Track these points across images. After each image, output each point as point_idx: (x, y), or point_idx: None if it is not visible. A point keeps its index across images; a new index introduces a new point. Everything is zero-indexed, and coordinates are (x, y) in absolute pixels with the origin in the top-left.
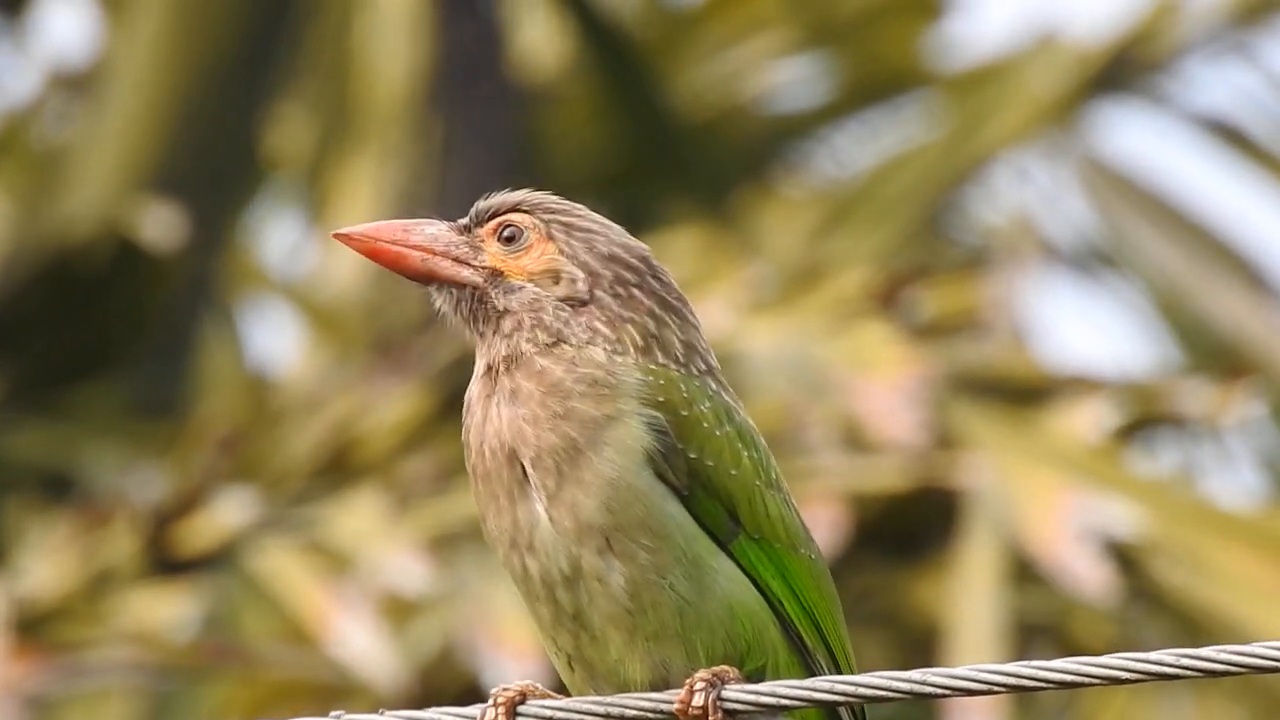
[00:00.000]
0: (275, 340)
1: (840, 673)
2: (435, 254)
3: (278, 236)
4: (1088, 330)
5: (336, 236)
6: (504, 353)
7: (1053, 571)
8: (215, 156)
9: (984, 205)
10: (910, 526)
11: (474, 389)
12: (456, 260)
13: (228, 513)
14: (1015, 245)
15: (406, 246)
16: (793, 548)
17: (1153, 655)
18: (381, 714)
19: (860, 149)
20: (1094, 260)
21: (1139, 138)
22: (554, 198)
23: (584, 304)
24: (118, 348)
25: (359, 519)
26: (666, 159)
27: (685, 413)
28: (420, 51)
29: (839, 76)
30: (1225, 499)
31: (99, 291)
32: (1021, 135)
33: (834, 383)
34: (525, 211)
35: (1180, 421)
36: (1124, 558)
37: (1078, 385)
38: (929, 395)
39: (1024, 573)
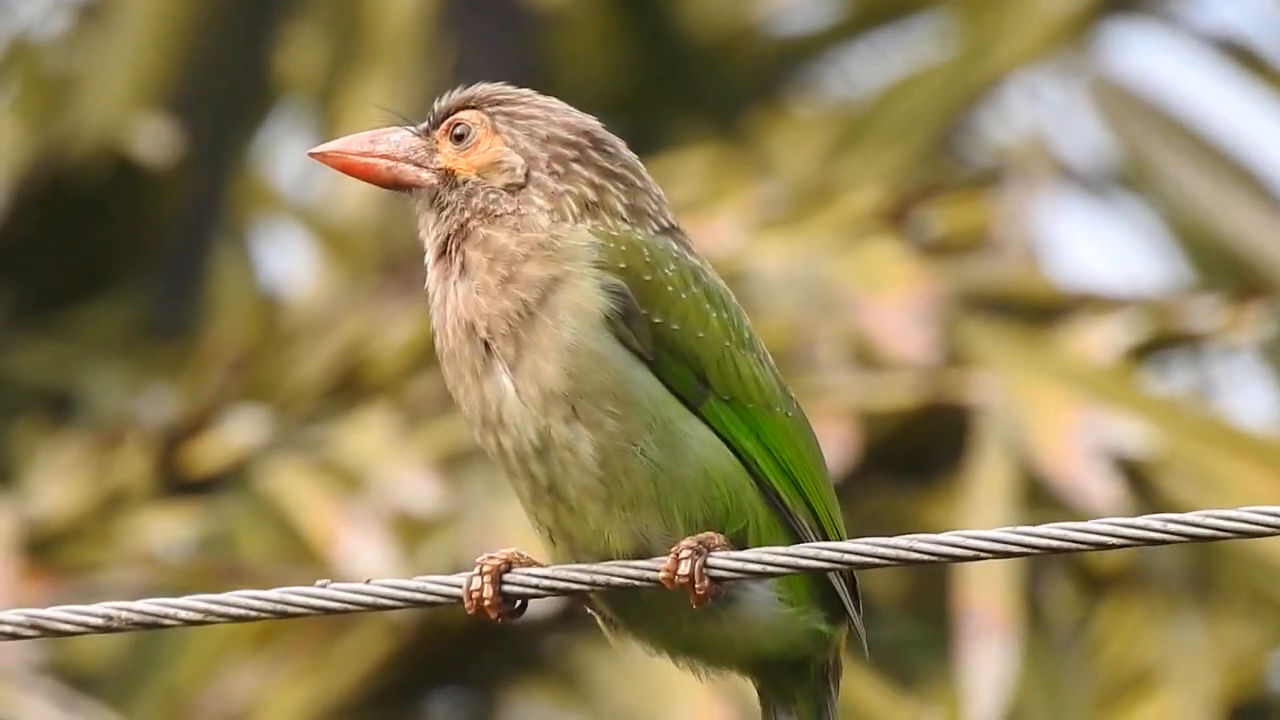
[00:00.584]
0: (286, 262)
1: (825, 534)
2: (397, 160)
3: (289, 158)
4: (1101, 250)
5: (311, 155)
6: (451, 230)
7: (1063, 490)
8: (225, 78)
9: (996, 125)
10: (920, 446)
11: (430, 273)
12: (416, 164)
13: (238, 433)
14: (1027, 165)
15: (373, 157)
16: (767, 407)
17: (1139, 520)
18: (368, 582)
19: (871, 70)
20: (1107, 180)
21: (1151, 58)
22: (505, 88)
23: (521, 187)
24: (122, 267)
25: (368, 439)
26: (677, 81)
27: (648, 277)
28: None
29: None
30: (1237, 417)
31: (102, 210)
32: (1034, 55)
33: (843, 301)
34: (473, 107)
35: (1194, 341)
36: (1135, 476)
37: (1090, 304)
38: (939, 313)
39: (1035, 492)
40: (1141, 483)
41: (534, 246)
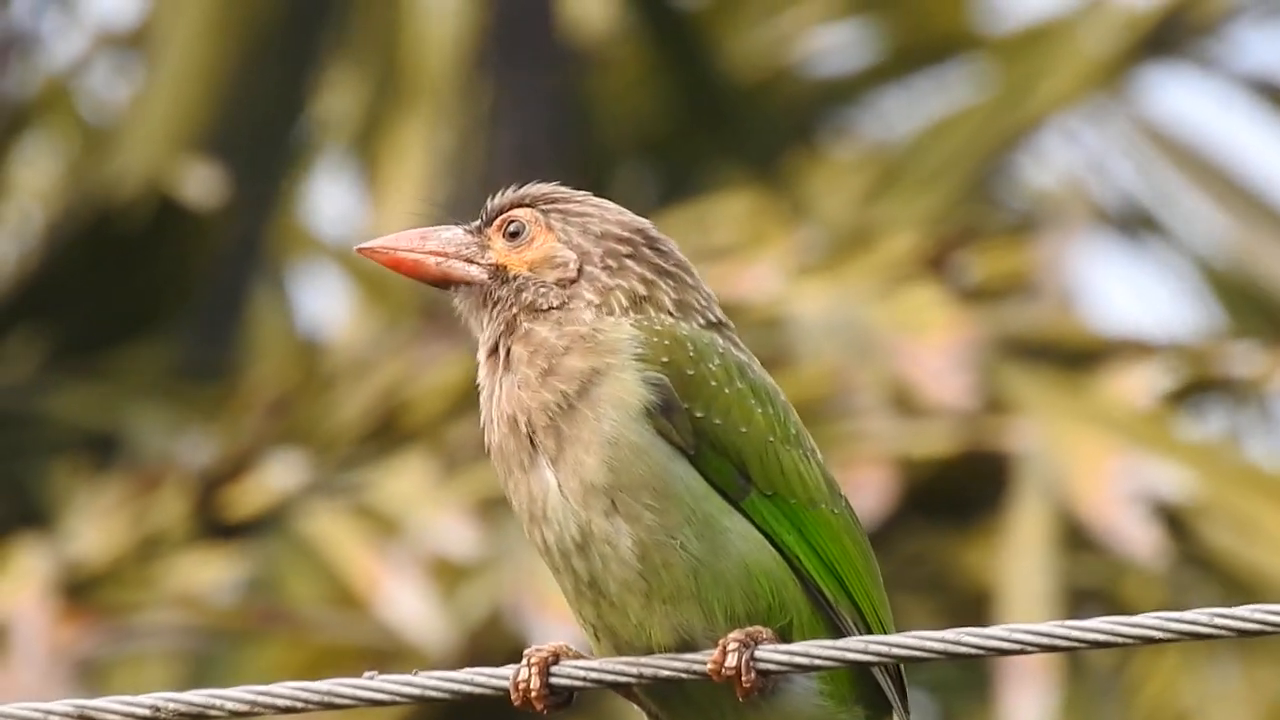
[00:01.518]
0: (325, 304)
1: (870, 630)
2: (448, 256)
3: (328, 200)
4: (1136, 295)
5: (361, 252)
6: (500, 329)
7: (1102, 535)
8: (265, 119)
9: (1033, 169)
10: (959, 491)
11: (481, 370)
12: (466, 260)
13: (276, 476)
14: (1064, 209)
15: (422, 253)
16: (811, 503)
17: (1188, 615)
18: (415, 674)
19: (909, 113)
20: (1143, 224)
21: (1188, 101)
22: (558, 188)
23: (573, 281)
24: (164, 310)
25: (407, 483)
26: (715, 123)
27: (691, 371)
28: (470, 14)
29: (887, 40)
30: (1274, 463)
31: (143, 252)
32: (1070, 99)
33: (882, 346)
34: (528, 205)
35: (1229, 386)
36: (1173, 521)
37: (1127, 349)
38: (978, 359)
39: (1074, 537)
40: (1179, 528)
41: (575, 339)
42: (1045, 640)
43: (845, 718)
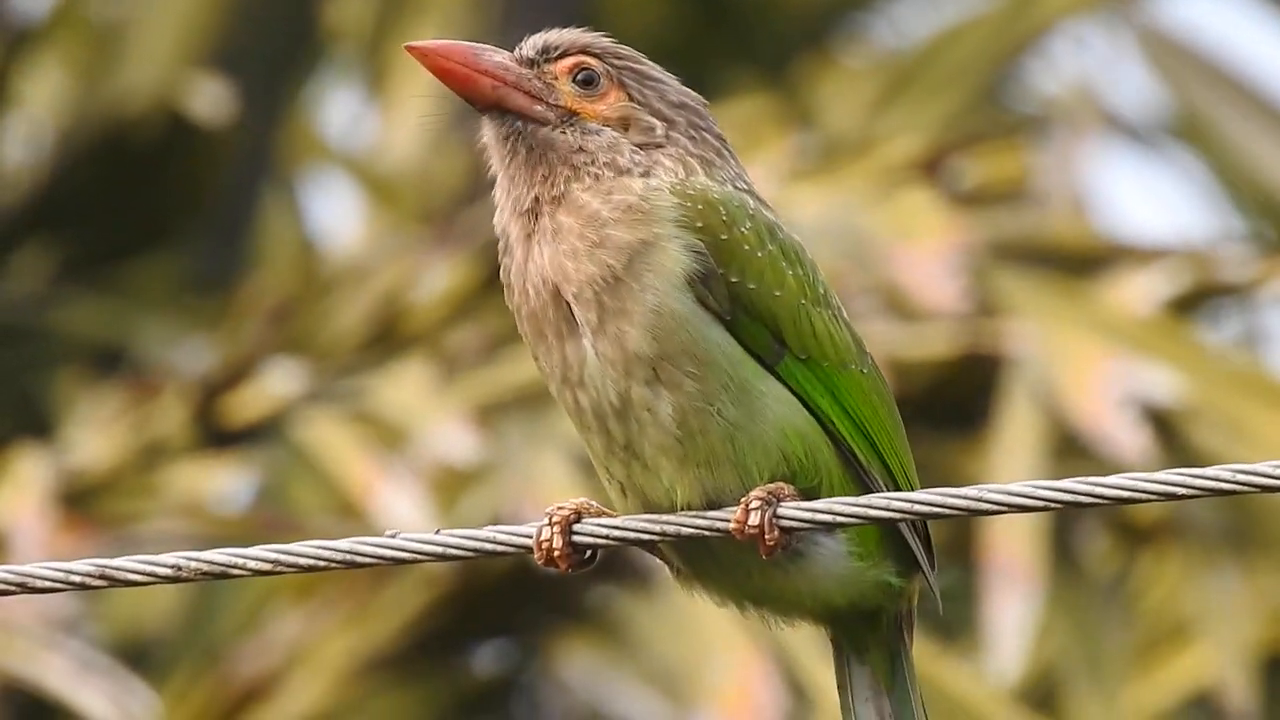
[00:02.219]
0: (335, 213)
1: (899, 489)
2: (506, 83)
3: (337, 108)
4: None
5: (409, 49)
6: (551, 193)
7: (1092, 439)
8: (273, 29)
9: (1043, 76)
10: (953, 396)
11: (511, 227)
12: (529, 94)
13: (276, 383)
14: (1074, 114)
15: (476, 70)
16: (842, 364)
17: (1209, 471)
18: (437, 532)
19: (920, 20)
20: (1154, 130)
21: (1198, 9)
22: (618, 44)
23: (659, 147)
24: (174, 222)
25: (407, 390)
26: (726, 29)
27: (725, 236)
28: None
29: None
30: (1272, 367)
31: (153, 166)
32: (1081, 5)
33: (876, 251)
34: (595, 55)
35: (1235, 292)
36: (1163, 425)
37: (1128, 255)
38: (971, 263)
39: (1065, 442)
40: (1171, 432)
41: (624, 209)
42: (1066, 497)
43: (874, 575)
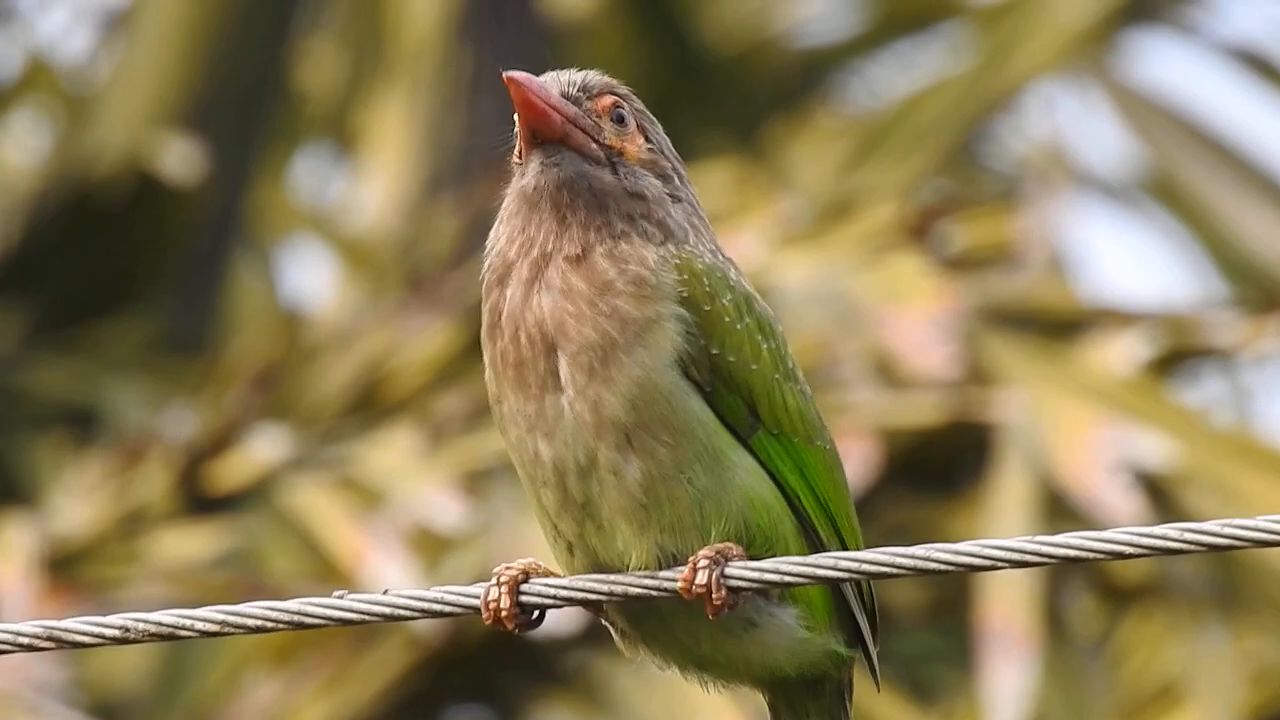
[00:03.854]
0: (307, 276)
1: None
2: (568, 118)
3: (309, 172)
4: (1124, 257)
5: (508, 76)
6: (571, 249)
7: (1084, 504)
8: (245, 91)
9: (1015, 135)
10: (943, 461)
11: (520, 267)
12: (585, 131)
13: (260, 450)
14: (1047, 174)
15: (549, 105)
16: (809, 440)
17: (1157, 530)
18: (385, 593)
19: (891, 80)
20: (1128, 187)
21: (1168, 68)
22: (635, 97)
23: (676, 201)
24: (144, 283)
25: (391, 455)
26: (697, 92)
27: (708, 308)
28: None
29: (870, 8)
30: (1261, 431)
31: (123, 226)
32: (1052, 65)
33: (866, 316)
34: (621, 96)
35: (1216, 354)
36: (1155, 489)
37: (1112, 317)
38: (961, 328)
39: (1056, 506)
40: (1162, 496)
41: (637, 283)
42: (1015, 555)
43: (822, 644)
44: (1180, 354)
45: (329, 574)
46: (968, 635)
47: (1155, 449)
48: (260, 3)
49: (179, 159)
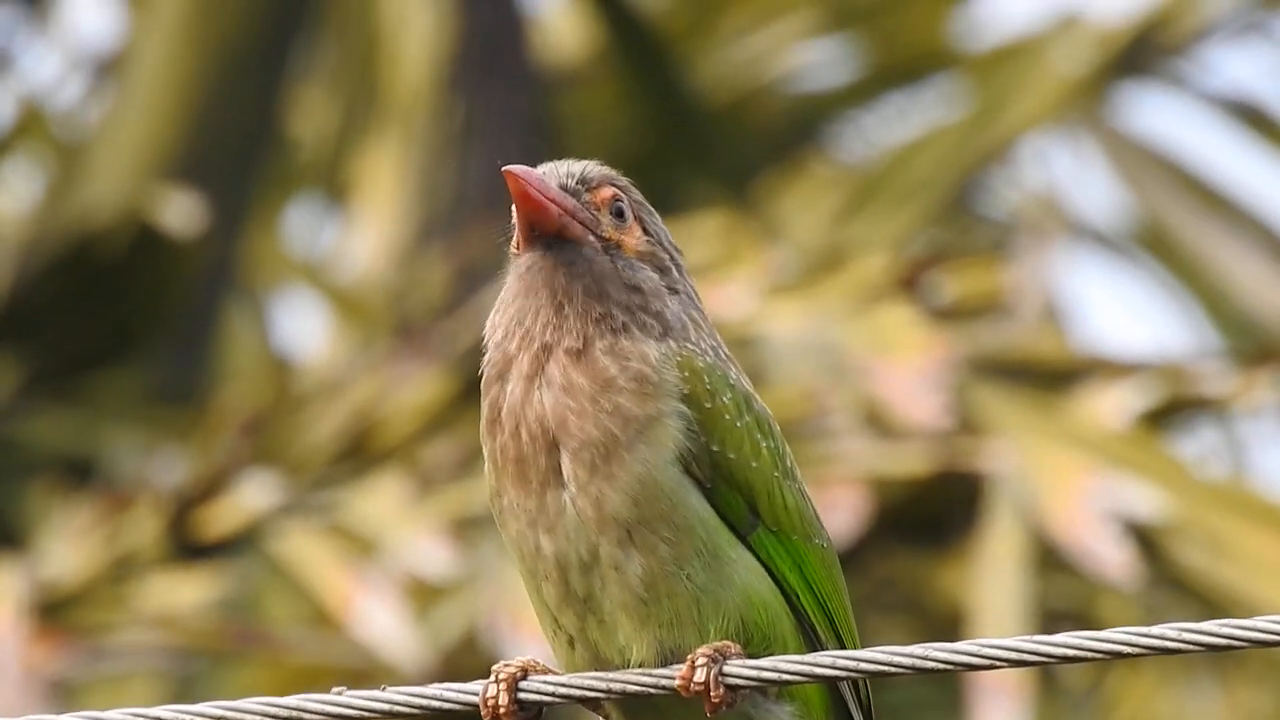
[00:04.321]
0: (299, 325)
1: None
2: (566, 210)
3: (300, 221)
4: (1118, 310)
5: (506, 170)
6: (571, 343)
7: (1075, 555)
8: (237, 141)
9: (1009, 186)
10: (933, 512)
11: (521, 361)
12: (583, 224)
13: (250, 497)
14: (1040, 224)
15: (548, 199)
16: (807, 538)
17: (1155, 629)
18: (383, 689)
19: (884, 131)
20: (1121, 238)
21: (1161, 119)
22: (632, 187)
23: (675, 294)
24: (138, 334)
25: (381, 503)
26: (689, 143)
27: (709, 405)
28: (442, 34)
29: (863, 59)
30: (1253, 483)
31: (119, 278)
32: (1044, 117)
33: (856, 366)
34: (620, 188)
35: (1209, 406)
36: (1146, 541)
37: (1104, 368)
38: (951, 379)
39: (1047, 558)
40: (1153, 548)
41: (638, 381)
42: (1014, 655)
43: None
44: (1173, 405)
45: (320, 621)
46: (959, 685)
47: (1146, 500)
48: (252, 52)
49: (178, 211)
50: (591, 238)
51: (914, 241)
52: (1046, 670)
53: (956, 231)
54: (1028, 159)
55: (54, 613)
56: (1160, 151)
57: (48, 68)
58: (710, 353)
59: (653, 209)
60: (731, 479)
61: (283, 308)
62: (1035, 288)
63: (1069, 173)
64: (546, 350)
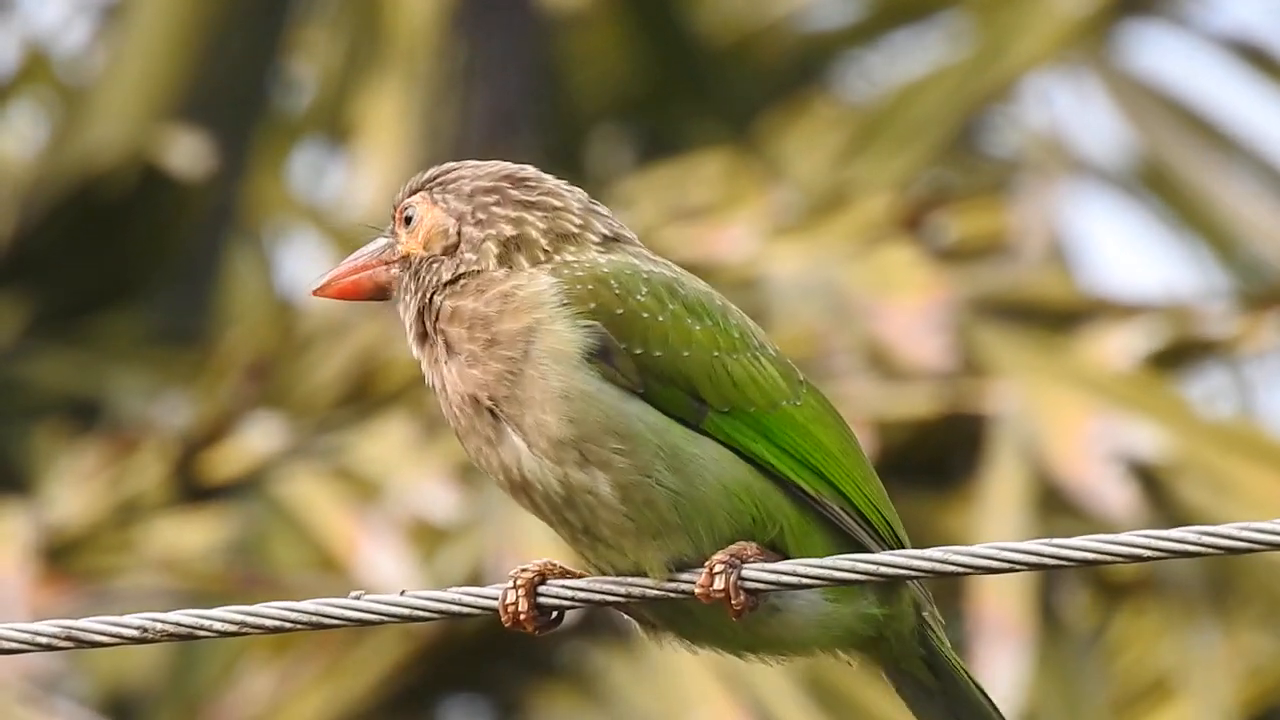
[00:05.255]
0: (303, 266)
1: (865, 516)
2: (373, 266)
3: (304, 162)
4: (1122, 250)
5: (315, 294)
6: (418, 314)
7: (1078, 496)
8: (240, 82)
9: (1013, 125)
10: (937, 453)
11: (421, 361)
12: (385, 263)
13: (255, 440)
14: (1044, 164)
15: (354, 273)
16: (771, 405)
17: (1173, 533)
18: (402, 594)
19: (887, 70)
20: (1124, 178)
21: (1165, 58)
22: (450, 165)
23: (455, 246)
24: (143, 275)
25: (386, 446)
26: (692, 83)
27: (620, 310)
28: None
29: None
30: (1258, 423)
31: (124, 219)
32: (1049, 55)
33: (858, 308)
34: (416, 190)
35: (1214, 348)
36: (1150, 481)
37: (1108, 309)
38: (954, 320)
39: (1051, 499)
40: (1157, 489)
41: (501, 300)
42: (1032, 559)
43: (852, 611)
44: (1179, 347)
45: (325, 564)
46: (962, 626)
47: (1150, 441)
48: None
49: (182, 153)
50: (393, 269)
51: (917, 181)
52: (1051, 613)
53: (960, 171)
54: (1031, 98)
55: (60, 556)
56: (1164, 91)
57: (51, 10)
58: (612, 256)
59: (456, 171)
60: (663, 375)
61: (286, 249)
62: (1039, 228)
63: (1073, 112)
64: (422, 340)
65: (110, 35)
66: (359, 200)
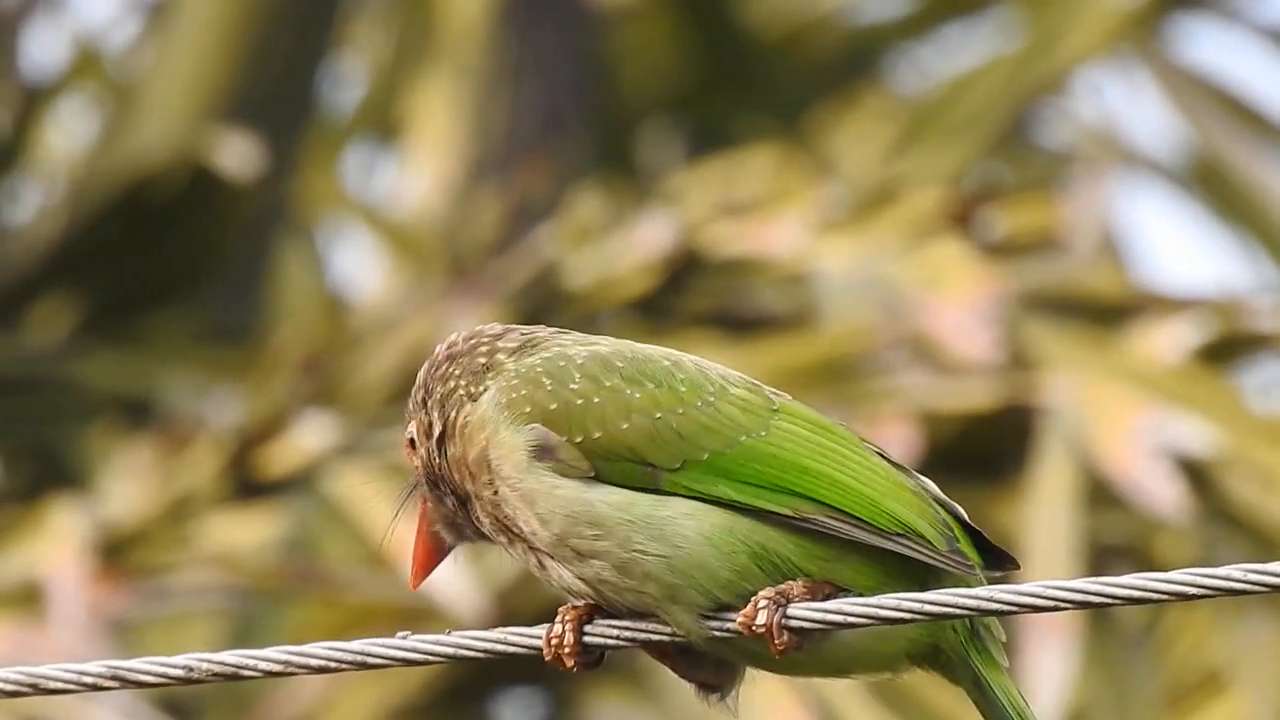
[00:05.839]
0: (353, 263)
1: (863, 519)
2: (420, 528)
3: (354, 159)
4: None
5: (416, 589)
6: (455, 499)
7: (1127, 490)
8: (289, 80)
9: (1063, 118)
10: (985, 448)
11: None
12: (422, 506)
13: (308, 436)
14: (1095, 158)
15: (422, 549)
16: (728, 445)
17: (1220, 570)
18: (448, 633)
19: (938, 63)
20: (1176, 172)
21: (1216, 51)
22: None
23: (428, 433)
24: (193, 274)
25: None
26: (741, 77)
27: (554, 405)
28: None
29: None
30: None
31: (175, 219)
32: (1100, 48)
33: (908, 302)
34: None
35: (1260, 341)
36: (1198, 476)
37: (1158, 303)
38: (1004, 314)
39: (1100, 494)
40: (1205, 483)
41: (462, 438)
42: (1078, 597)
43: (906, 631)
44: (1228, 341)
45: (377, 560)
46: (1008, 619)
47: (1199, 435)
48: None
49: (232, 153)
50: (430, 505)
51: (967, 175)
52: (1102, 610)
53: (1010, 165)
54: (1082, 91)
55: (115, 553)
56: (1215, 83)
57: (102, 7)
58: (546, 354)
59: (430, 365)
60: (608, 454)
61: (337, 246)
62: (1089, 221)
63: (1124, 105)
64: (458, 514)
65: (159, 33)
66: (408, 196)
